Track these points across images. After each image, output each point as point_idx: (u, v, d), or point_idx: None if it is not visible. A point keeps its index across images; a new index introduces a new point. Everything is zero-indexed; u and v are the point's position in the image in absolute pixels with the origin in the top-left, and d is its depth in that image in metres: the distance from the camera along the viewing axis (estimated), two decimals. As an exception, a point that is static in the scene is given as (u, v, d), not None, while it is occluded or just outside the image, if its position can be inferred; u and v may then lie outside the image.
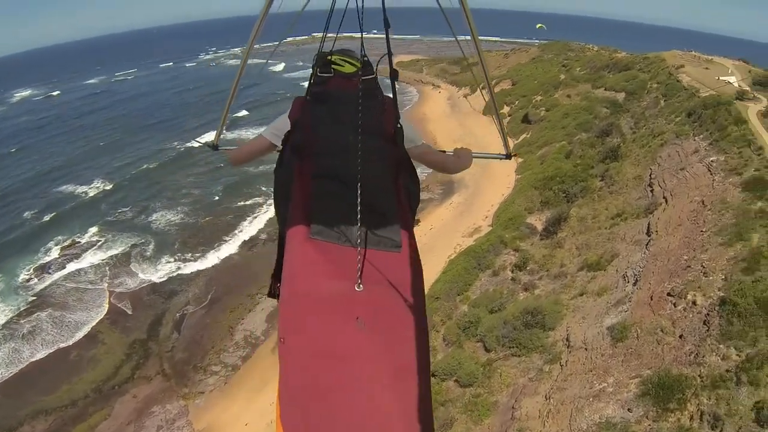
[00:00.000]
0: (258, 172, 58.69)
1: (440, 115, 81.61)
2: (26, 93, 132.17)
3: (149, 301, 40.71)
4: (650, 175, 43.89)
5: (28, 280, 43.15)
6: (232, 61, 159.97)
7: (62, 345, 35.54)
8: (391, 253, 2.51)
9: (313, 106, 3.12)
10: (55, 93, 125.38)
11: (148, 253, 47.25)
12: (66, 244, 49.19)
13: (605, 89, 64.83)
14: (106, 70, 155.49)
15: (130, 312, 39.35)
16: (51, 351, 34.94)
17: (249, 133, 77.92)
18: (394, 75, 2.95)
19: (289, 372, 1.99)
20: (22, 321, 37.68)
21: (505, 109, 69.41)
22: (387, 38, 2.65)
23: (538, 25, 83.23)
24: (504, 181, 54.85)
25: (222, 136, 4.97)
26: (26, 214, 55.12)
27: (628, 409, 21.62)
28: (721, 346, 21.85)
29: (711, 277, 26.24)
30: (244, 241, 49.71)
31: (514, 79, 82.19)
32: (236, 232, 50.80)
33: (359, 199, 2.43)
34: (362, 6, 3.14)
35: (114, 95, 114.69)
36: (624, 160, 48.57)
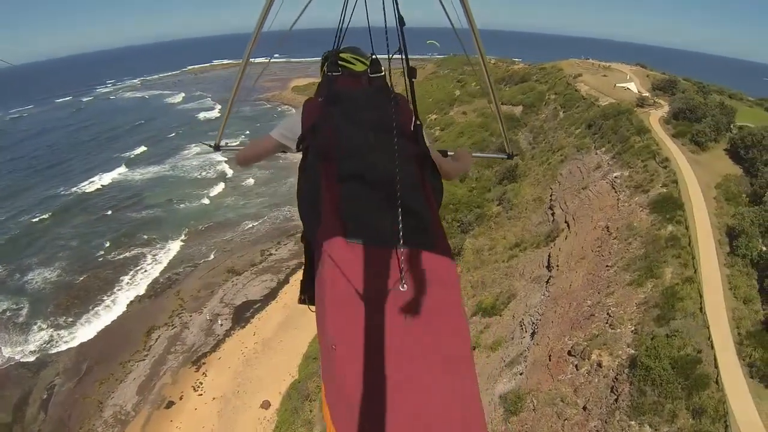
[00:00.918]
0: (142, 219, 57.01)
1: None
2: None
3: (17, 377, 37.18)
4: (551, 196, 39.80)
5: None
6: (128, 94, 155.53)
7: None
8: (426, 251, 2.33)
9: (328, 107, 2.99)
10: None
11: (20, 320, 43.35)
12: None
13: (502, 103, 61.43)
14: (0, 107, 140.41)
15: (-6, 391, 35.33)
16: None
17: (148, 171, 74.22)
18: (411, 73, 2.87)
19: (344, 377, 1.93)
20: None
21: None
22: (402, 36, 2.76)
23: (429, 42, 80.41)
24: None
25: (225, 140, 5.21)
26: None
27: None
28: (632, 422, 17.53)
29: (618, 330, 21.55)
30: (122, 300, 45.59)
31: (407, 99, 77.98)
32: (115, 290, 46.73)
33: (399, 200, 2.29)
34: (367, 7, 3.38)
35: (7, 136, 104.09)
36: (522, 180, 44.54)
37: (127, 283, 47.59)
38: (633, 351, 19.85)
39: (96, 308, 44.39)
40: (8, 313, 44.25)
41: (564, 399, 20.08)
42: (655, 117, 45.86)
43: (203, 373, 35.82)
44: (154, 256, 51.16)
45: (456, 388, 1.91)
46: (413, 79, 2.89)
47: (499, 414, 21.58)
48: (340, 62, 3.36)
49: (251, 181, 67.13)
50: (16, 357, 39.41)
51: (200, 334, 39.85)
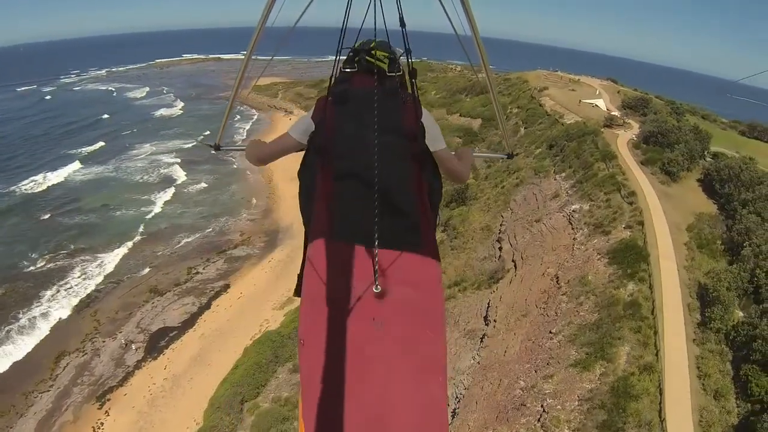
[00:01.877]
0: (75, 226, 50.81)
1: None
2: None
3: None
4: (501, 226, 33.86)
5: None
6: (92, 86, 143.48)
7: None
8: (409, 253, 2.31)
9: (335, 106, 2.89)
10: None
11: None
12: None
13: (460, 115, 56.11)
14: None
15: None
16: None
17: (91, 171, 66.86)
18: (413, 74, 2.87)
19: (309, 373, 1.95)
20: None
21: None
22: (404, 37, 2.77)
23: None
24: None
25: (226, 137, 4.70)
26: None
27: None
28: None
29: (552, 439, 15.40)
30: (39, 320, 39.11)
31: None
32: (33, 306, 40.14)
33: (378, 200, 2.26)
34: (381, 5, 3.13)
35: None
36: (472, 204, 38.59)
37: (48, 299, 41.35)
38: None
39: (10, 327, 38.63)
40: None
41: None
42: (623, 139, 40.28)
43: (106, 412, 31.08)
44: (81, 268, 44.72)
45: (420, 393, 1.86)
46: (414, 80, 2.82)
47: None
48: (371, 60, 2.99)
49: (195, 187, 60.36)
50: None
51: (110, 363, 34.68)
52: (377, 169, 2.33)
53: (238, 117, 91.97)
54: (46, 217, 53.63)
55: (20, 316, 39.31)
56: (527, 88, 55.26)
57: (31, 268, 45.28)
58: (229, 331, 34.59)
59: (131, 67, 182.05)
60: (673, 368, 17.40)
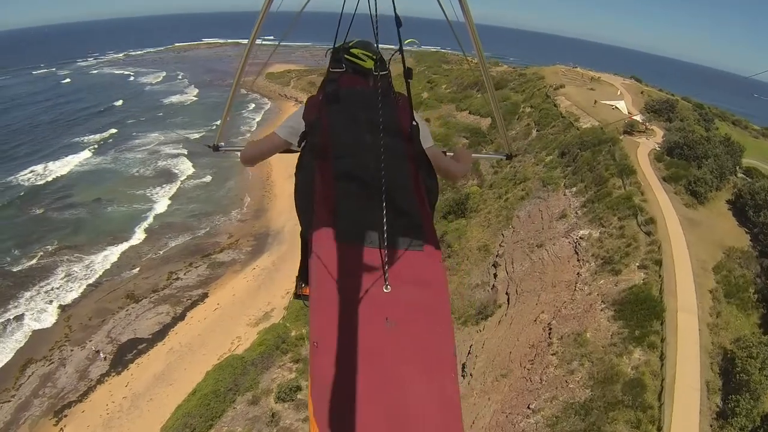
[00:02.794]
0: (64, 221, 47.77)
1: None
2: None
3: None
4: (500, 247, 29.30)
5: None
6: (108, 69, 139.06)
7: None
8: (415, 252, 2.27)
9: (327, 106, 2.83)
10: None
11: None
12: None
13: (470, 112, 50.84)
14: None
15: None
16: None
17: (89, 162, 63.71)
18: (408, 74, 2.78)
19: (323, 374, 1.90)
20: None
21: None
22: (399, 36, 2.63)
23: (408, 41, 70.84)
24: None
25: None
26: None
27: None
28: None
29: None
30: (13, 321, 36.23)
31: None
32: (9, 308, 37.25)
33: (384, 200, 2.26)
34: (375, 3, 3.03)
35: None
36: (472, 218, 33.92)
37: (27, 301, 38.59)
38: None
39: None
40: None
41: None
42: (645, 149, 35.04)
43: (61, 429, 28.69)
44: (65, 269, 41.73)
45: (435, 390, 1.85)
46: (409, 80, 2.77)
47: None
48: (350, 57, 3.03)
49: (191, 182, 56.74)
50: None
51: (74, 375, 32.07)
52: (384, 169, 2.32)
53: (253, 106, 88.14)
54: (39, 211, 50.92)
55: (-5, 319, 36.18)
56: (542, 86, 49.81)
57: (14, 266, 42.56)
58: (199, 347, 31.80)
59: (149, 50, 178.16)
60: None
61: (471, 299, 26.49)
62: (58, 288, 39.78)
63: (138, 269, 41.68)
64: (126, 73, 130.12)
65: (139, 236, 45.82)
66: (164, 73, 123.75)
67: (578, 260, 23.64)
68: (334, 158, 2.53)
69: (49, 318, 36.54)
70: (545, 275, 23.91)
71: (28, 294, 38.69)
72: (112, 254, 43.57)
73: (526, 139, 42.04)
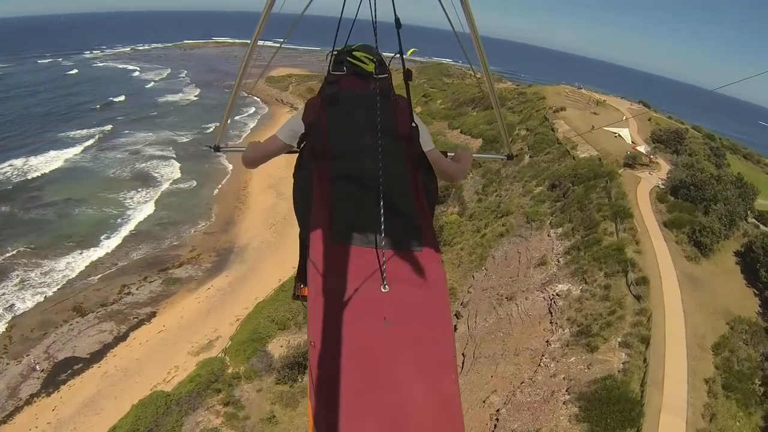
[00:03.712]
0: (29, 221, 44.39)
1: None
2: None
3: None
4: (467, 292, 25.08)
5: None
6: (113, 63, 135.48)
7: None
8: (413, 252, 2.27)
9: (327, 108, 2.81)
10: None
11: None
12: None
13: (461, 131, 46.51)
14: None
15: None
16: None
17: (69, 159, 59.91)
18: (407, 75, 2.77)
19: (321, 374, 1.91)
20: None
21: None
22: (399, 38, 2.63)
23: (411, 51, 66.93)
24: (295, 252, 36.49)
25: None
26: None
27: None
28: None
29: None
30: None
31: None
32: None
33: (381, 201, 2.26)
34: (375, 5, 3.08)
35: None
36: (444, 252, 29.63)
37: None
38: None
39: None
40: None
41: None
42: (646, 185, 30.70)
43: None
44: (21, 273, 38.38)
45: (433, 390, 1.83)
46: (409, 81, 2.73)
47: None
48: (352, 60, 2.97)
49: (166, 187, 52.86)
50: None
51: (4, 392, 29.23)
52: (381, 171, 2.28)
53: (253, 110, 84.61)
54: (6, 209, 47.42)
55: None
56: (542, 107, 45.42)
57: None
58: (134, 373, 28.74)
59: (157, 45, 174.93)
60: None
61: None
62: (9, 294, 36.43)
63: (92, 279, 38.20)
64: (130, 67, 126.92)
65: (101, 243, 42.15)
66: (168, 71, 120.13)
67: (551, 323, 19.45)
68: (332, 159, 2.47)
69: (-8, 326, 33.60)
70: (509, 338, 19.72)
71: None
72: (72, 261, 40.11)
73: (518, 165, 37.75)
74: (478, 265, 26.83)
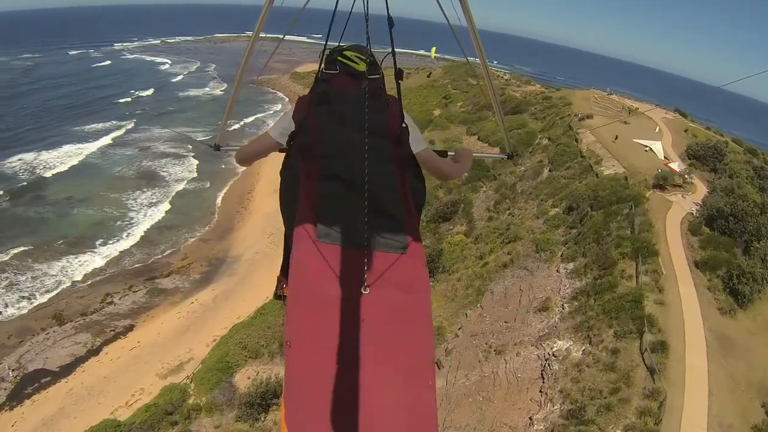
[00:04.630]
0: (27, 219, 42.97)
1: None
2: None
3: None
4: (455, 335, 21.62)
5: None
6: (142, 55, 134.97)
7: None
8: (396, 255, 2.19)
9: (317, 106, 2.75)
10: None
11: None
12: None
13: (479, 138, 42.33)
14: (4, 52, 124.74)
15: None
16: None
17: (79, 154, 57.81)
18: (398, 75, 2.65)
19: (296, 375, 1.91)
20: None
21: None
22: (391, 37, 2.58)
23: (433, 49, 63.01)
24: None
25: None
26: None
27: None
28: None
29: None
30: None
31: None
32: None
33: (366, 202, 2.16)
34: (367, 4, 2.93)
35: None
36: (439, 282, 26.32)
37: None
38: None
39: None
40: None
41: None
42: (678, 213, 26.34)
43: None
44: (10, 275, 36.94)
45: (408, 396, 1.80)
46: (400, 81, 2.62)
47: None
48: (343, 60, 2.92)
49: (171, 189, 50.64)
50: None
51: None
52: (368, 171, 2.21)
53: (280, 107, 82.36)
54: (6, 205, 46.32)
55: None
56: (567, 114, 40.93)
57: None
58: (98, 393, 27.00)
59: (187, 38, 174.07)
60: None
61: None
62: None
63: (77, 285, 36.59)
64: (158, 60, 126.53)
65: (94, 247, 40.47)
66: (198, 64, 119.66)
67: (540, 391, 15.86)
68: (319, 158, 2.44)
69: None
70: (489, 405, 16.22)
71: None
72: (62, 265, 38.47)
73: (536, 179, 33.73)
74: (473, 301, 23.26)
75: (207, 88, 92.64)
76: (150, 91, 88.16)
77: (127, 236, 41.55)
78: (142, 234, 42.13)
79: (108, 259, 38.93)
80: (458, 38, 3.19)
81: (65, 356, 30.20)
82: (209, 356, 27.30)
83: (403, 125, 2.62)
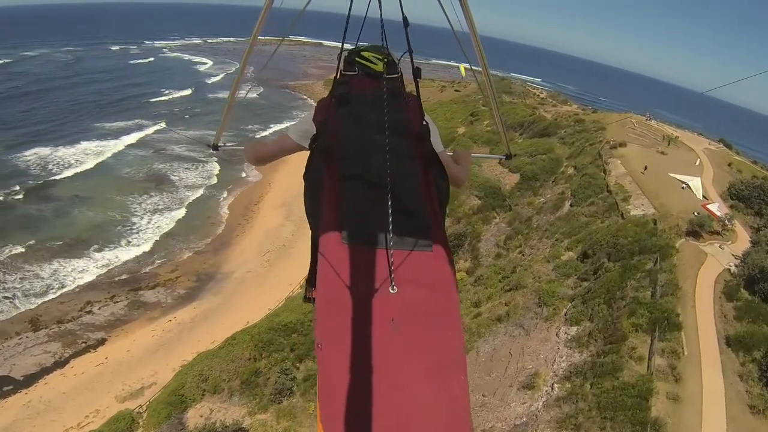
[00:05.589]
0: (28, 216, 41.94)
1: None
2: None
3: None
4: None
5: None
6: (179, 54, 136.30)
7: None
8: (422, 253, 2.18)
9: (337, 108, 2.76)
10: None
11: None
12: None
13: (499, 162, 38.72)
14: (49, 44, 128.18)
15: None
16: None
17: (95, 154, 57.00)
18: (416, 73, 2.72)
19: (329, 376, 1.88)
20: None
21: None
22: (407, 36, 2.56)
23: (462, 69, 59.93)
24: (275, 292, 33.40)
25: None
26: None
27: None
28: None
29: None
30: None
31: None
32: None
33: (390, 201, 2.17)
34: (381, 5, 3.03)
35: (21, 78, 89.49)
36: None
37: None
38: None
39: None
40: None
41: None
42: (713, 269, 22.18)
43: None
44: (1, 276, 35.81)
45: (442, 394, 1.78)
46: (419, 79, 2.66)
47: None
48: (361, 61, 2.90)
49: (178, 195, 48.65)
50: None
51: None
52: (390, 170, 2.23)
53: (305, 114, 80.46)
54: (10, 198, 45.49)
55: None
56: (598, 140, 36.70)
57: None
58: (54, 409, 25.69)
59: (229, 39, 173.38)
60: None
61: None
62: (-16, 299, 34.41)
63: (61, 290, 35.17)
64: (196, 60, 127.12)
65: (87, 252, 38.93)
66: (237, 65, 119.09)
67: None
68: (341, 160, 2.43)
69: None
70: None
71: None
72: (54, 267, 37.23)
73: (554, 214, 29.94)
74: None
75: (241, 91, 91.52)
76: (187, 92, 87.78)
77: (120, 243, 39.85)
78: (137, 241, 40.43)
79: (96, 266, 37.34)
80: (459, 40, 3.01)
81: (32, 365, 28.91)
82: (168, 385, 25.00)
83: (424, 122, 2.60)
